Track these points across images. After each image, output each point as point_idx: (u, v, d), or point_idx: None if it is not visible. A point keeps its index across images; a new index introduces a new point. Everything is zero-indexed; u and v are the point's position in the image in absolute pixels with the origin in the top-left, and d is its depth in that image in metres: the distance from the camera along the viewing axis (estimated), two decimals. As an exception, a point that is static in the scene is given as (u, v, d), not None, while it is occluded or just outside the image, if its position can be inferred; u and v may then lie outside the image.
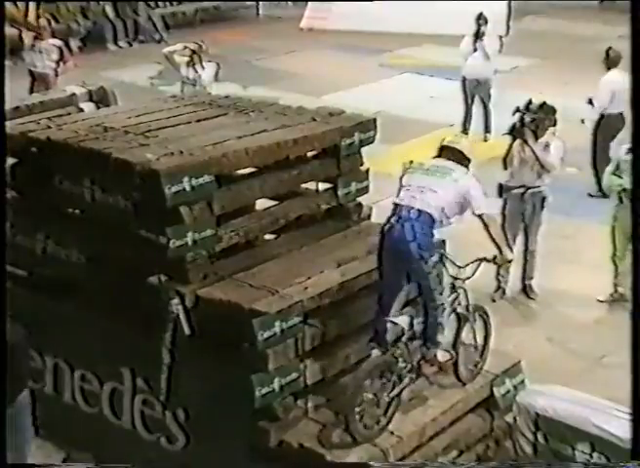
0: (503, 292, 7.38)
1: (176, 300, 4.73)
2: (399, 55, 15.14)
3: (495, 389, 5.13)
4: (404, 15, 16.18)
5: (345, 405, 4.57)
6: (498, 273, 7.35)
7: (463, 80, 11.03)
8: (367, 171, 5.67)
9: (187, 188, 4.71)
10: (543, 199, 7.20)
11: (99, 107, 6.67)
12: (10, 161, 5.37)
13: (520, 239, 7.33)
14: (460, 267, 4.87)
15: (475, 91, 11.01)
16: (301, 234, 5.35)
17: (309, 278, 4.85)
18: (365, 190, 5.66)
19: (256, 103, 5.94)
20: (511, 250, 4.92)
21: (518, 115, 7.11)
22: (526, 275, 7.41)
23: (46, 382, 5.43)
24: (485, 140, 10.92)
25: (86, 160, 4.96)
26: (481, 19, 10.86)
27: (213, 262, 4.92)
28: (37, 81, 10.46)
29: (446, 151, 4.84)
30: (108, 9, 16.01)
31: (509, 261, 4.95)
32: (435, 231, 4.64)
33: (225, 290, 4.77)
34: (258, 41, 16.38)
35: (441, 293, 4.71)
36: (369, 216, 5.72)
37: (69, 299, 5.20)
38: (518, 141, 7.12)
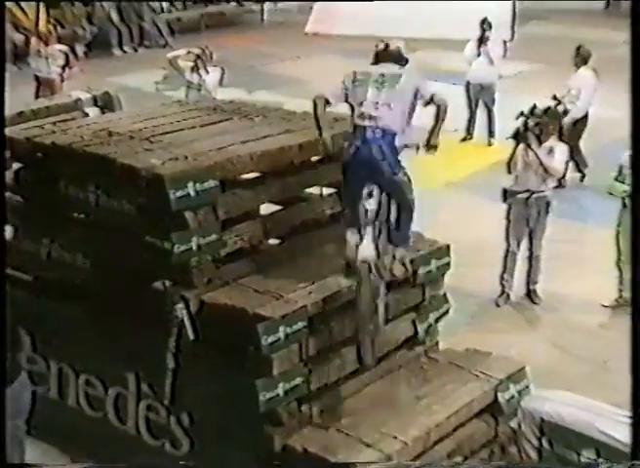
0: (508, 297, 7.38)
1: (180, 305, 4.73)
2: (404, 60, 15.13)
3: (499, 394, 5.12)
4: (408, 19, 16.18)
5: (359, 333, 4.62)
6: (502, 278, 7.36)
7: (467, 85, 11.04)
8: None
9: (192, 193, 4.71)
10: (548, 204, 7.20)
11: (103, 112, 6.67)
12: (15, 166, 5.39)
13: (524, 244, 7.33)
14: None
15: (479, 95, 11.02)
16: (306, 239, 5.35)
17: (313, 283, 4.85)
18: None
19: (260, 108, 5.95)
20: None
21: (522, 119, 7.12)
22: (530, 280, 7.40)
23: (50, 387, 5.43)
24: (489, 145, 10.93)
25: (91, 165, 4.96)
26: (485, 23, 10.87)
27: (217, 267, 4.91)
28: (43, 86, 10.50)
29: (384, 55, 4.81)
30: (113, 14, 16.06)
31: (435, 148, 4.79)
32: (398, 146, 4.63)
33: (230, 294, 4.77)
34: (262, 46, 16.41)
35: (413, 200, 4.73)
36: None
37: (74, 304, 5.21)
38: (522, 146, 7.13)
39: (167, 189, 4.64)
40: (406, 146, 4.78)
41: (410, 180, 4.75)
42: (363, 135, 4.62)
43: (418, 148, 4.81)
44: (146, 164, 4.77)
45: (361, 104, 4.66)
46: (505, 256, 7.36)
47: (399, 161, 4.66)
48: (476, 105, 11.07)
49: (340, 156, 5.42)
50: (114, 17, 16.09)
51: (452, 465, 4.84)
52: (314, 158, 5.46)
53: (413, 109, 4.71)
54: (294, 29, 17.70)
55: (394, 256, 4.82)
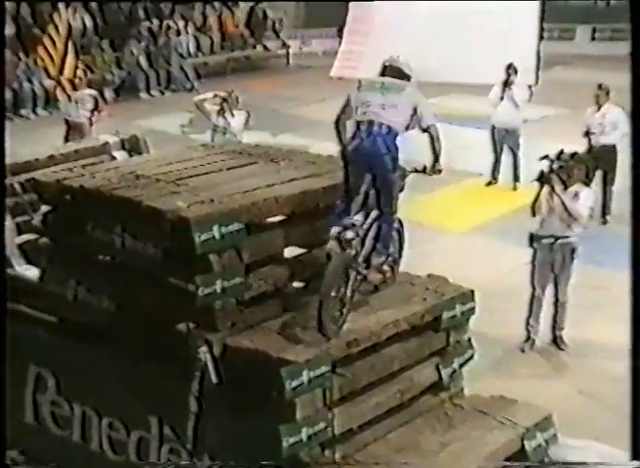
0: (533, 343, 7.30)
1: (204, 348, 4.73)
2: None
3: (526, 443, 5.05)
4: (433, 64, 16.31)
5: (322, 298, 4.66)
6: (527, 323, 7.30)
7: (492, 129, 11.08)
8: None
9: (217, 236, 4.74)
10: (573, 250, 7.12)
11: (131, 155, 6.78)
12: (43, 208, 5.46)
13: (550, 289, 7.27)
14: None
15: (504, 140, 11.04)
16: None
17: (345, 320, 4.83)
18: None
19: (286, 152, 6.00)
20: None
21: (547, 162, 7.09)
22: (556, 326, 7.32)
23: (74, 430, 5.43)
24: (514, 189, 10.92)
25: (117, 207, 5.02)
26: (511, 68, 10.93)
27: (241, 310, 4.92)
28: (72, 130, 10.68)
29: (390, 70, 5.07)
30: (142, 59, 16.36)
31: (439, 171, 5.09)
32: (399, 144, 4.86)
33: (253, 338, 4.76)
34: (288, 90, 16.61)
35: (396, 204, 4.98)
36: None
37: (99, 346, 5.22)
38: (546, 189, 7.09)
39: (192, 232, 4.68)
40: (416, 171, 5.07)
41: (400, 190, 4.97)
42: (368, 128, 4.83)
43: (425, 169, 5.05)
44: (172, 206, 4.82)
45: (367, 105, 4.88)
46: (531, 302, 7.30)
47: (397, 161, 4.87)
48: (501, 150, 11.09)
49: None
50: (142, 61, 16.39)
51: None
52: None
53: (412, 125, 4.94)
54: (319, 73, 17.90)
55: (370, 262, 4.98)
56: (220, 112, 10.20)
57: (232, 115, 10.19)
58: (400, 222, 5.33)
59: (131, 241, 4.99)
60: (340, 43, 18.47)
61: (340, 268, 4.78)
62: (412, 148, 5.15)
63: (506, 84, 10.91)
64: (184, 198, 4.94)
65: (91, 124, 10.75)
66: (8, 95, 13.96)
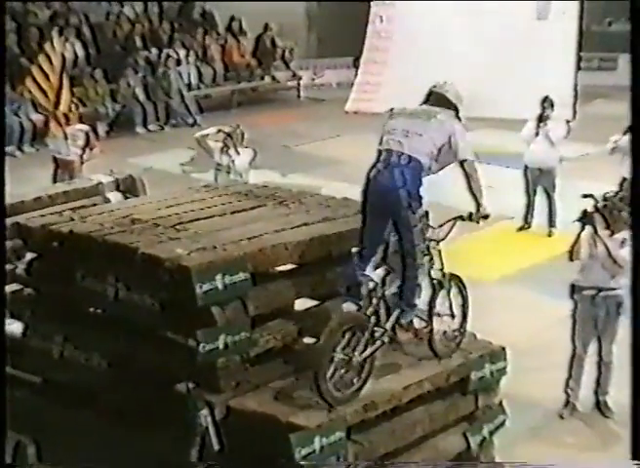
0: (574, 408, 7.20)
1: (204, 411, 4.74)
2: (453, 140, 15.34)
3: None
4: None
5: (315, 362, 4.62)
6: (567, 385, 7.21)
7: (525, 169, 11.07)
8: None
9: (220, 287, 4.78)
10: (619, 304, 6.94)
11: (126, 197, 6.83)
12: (28, 256, 5.51)
13: (593, 348, 7.16)
14: (433, 228, 5.10)
15: (538, 180, 11.02)
16: (345, 338, 5.35)
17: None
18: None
19: (296, 194, 6.06)
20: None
21: (591, 201, 6.96)
22: (600, 389, 7.19)
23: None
24: (549, 235, 10.91)
25: (111, 255, 5.07)
26: (546, 102, 10.91)
27: (246, 369, 4.93)
28: (61, 168, 10.74)
29: (433, 97, 5.13)
30: (139, 91, 16.55)
31: (486, 217, 5.14)
32: (423, 179, 4.84)
33: (260, 400, 4.77)
34: (298, 125, 16.74)
35: (422, 252, 4.91)
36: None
37: (87, 409, 5.23)
38: (588, 232, 6.94)
39: (193, 282, 4.72)
40: (461, 218, 5.02)
41: (424, 235, 4.91)
42: (387, 158, 4.86)
43: (470, 216, 5.05)
44: (171, 254, 4.87)
45: (391, 132, 4.94)
46: (571, 361, 7.22)
47: (420, 196, 4.83)
48: (535, 191, 11.08)
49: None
50: (139, 93, 16.59)
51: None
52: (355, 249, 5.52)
53: (446, 159, 4.92)
54: (333, 107, 18.08)
55: (398, 321, 4.95)
56: (224, 149, 10.26)
57: (237, 152, 10.25)
58: (462, 281, 5.31)
59: (125, 292, 5.03)
60: (355, 74, 18.70)
61: (338, 330, 4.74)
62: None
63: (541, 119, 10.92)
64: (185, 245, 4.99)
65: (82, 162, 10.83)
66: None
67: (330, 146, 15.28)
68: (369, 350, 4.85)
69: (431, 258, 5.14)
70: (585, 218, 6.91)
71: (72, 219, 5.48)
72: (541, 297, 8.72)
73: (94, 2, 17.45)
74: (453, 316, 5.29)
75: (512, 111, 14.65)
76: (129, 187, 7.02)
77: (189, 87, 17.55)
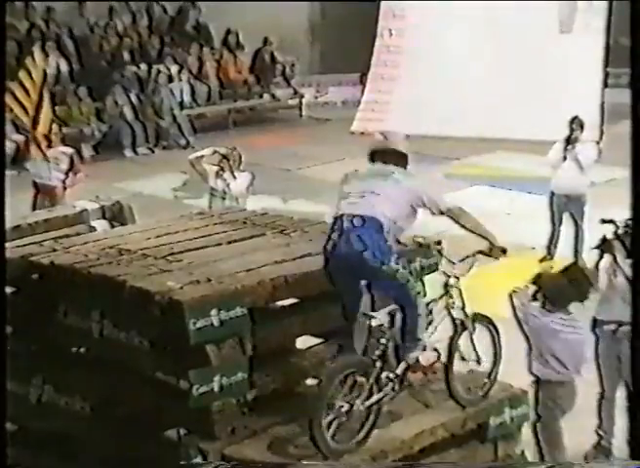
0: (609, 454, 7.13)
1: (198, 460, 4.72)
2: (468, 163, 15.39)
3: None
4: (475, 116, 16.51)
5: (311, 409, 4.62)
6: (598, 432, 7.17)
7: (552, 195, 11.03)
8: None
9: (215, 323, 4.78)
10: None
11: (113, 226, 6.84)
12: (7, 290, 5.51)
13: (622, 388, 7.16)
14: (453, 263, 5.20)
15: (566, 208, 10.96)
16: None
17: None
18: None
19: (298, 222, 6.08)
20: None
21: (611, 227, 6.98)
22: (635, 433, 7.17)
23: None
24: (574, 267, 10.87)
25: (96, 289, 5.08)
26: (575, 122, 10.86)
27: (244, 413, 4.93)
28: (42, 194, 10.76)
29: (378, 155, 5.17)
30: (127, 110, 16.63)
31: (504, 252, 5.24)
32: (388, 236, 4.87)
33: (258, 448, 4.75)
34: (300, 147, 16.80)
35: (419, 293, 4.99)
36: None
37: (69, 458, 5.22)
38: (607, 260, 6.95)
39: (186, 318, 4.72)
40: (481, 253, 5.12)
41: (414, 277, 4.99)
42: (340, 226, 4.88)
43: (491, 250, 5.14)
44: (162, 287, 4.88)
45: (346, 197, 5.00)
46: (599, 405, 7.20)
47: (390, 249, 4.87)
48: (560, 220, 11.06)
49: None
50: (127, 113, 16.67)
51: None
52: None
53: (414, 215, 5.01)
54: (338, 127, 18.14)
55: (407, 363, 4.98)
56: (220, 173, 10.27)
57: (234, 176, 10.26)
58: (492, 322, 5.38)
59: (111, 329, 5.04)
60: (362, 91, 18.79)
61: (338, 374, 4.75)
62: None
63: (569, 141, 10.87)
64: (177, 277, 5.00)
65: (65, 187, 10.86)
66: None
67: (334, 170, 15.19)
68: (374, 398, 4.84)
69: (450, 296, 5.19)
70: (604, 246, 6.93)
71: (54, 250, 5.51)
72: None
73: (78, 15, 17.54)
74: (479, 361, 5.29)
75: (534, 132, 14.69)
76: (116, 215, 7.04)
77: (182, 105, 17.61)
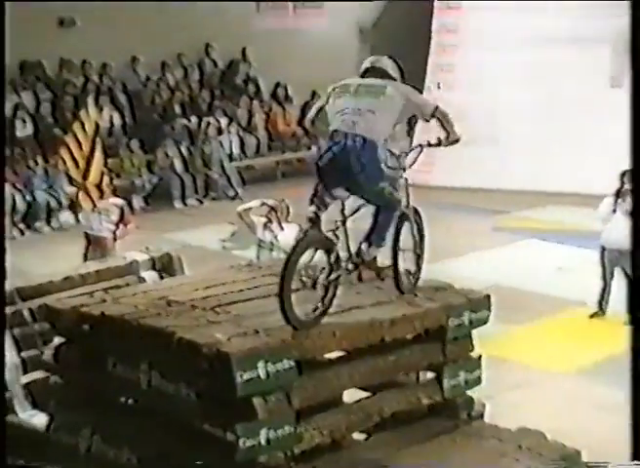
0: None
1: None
2: (519, 217, 15.31)
3: None
4: (524, 170, 16.47)
5: (280, 281, 4.88)
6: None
7: (603, 250, 10.95)
8: (479, 357, 5.67)
9: (262, 375, 4.79)
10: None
11: (162, 277, 6.91)
12: (56, 340, 5.58)
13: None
14: (398, 156, 5.44)
15: (617, 262, 10.86)
16: (399, 435, 5.32)
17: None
18: (477, 382, 5.64)
19: (346, 274, 6.08)
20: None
21: None
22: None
23: None
24: (626, 324, 10.74)
25: (145, 340, 5.11)
26: (626, 175, 10.82)
27: (291, 466, 4.90)
28: (93, 245, 10.88)
29: (371, 72, 5.40)
30: (177, 162, 16.83)
31: (456, 141, 5.47)
32: (380, 156, 5.17)
33: (305, 502, 4.73)
34: (348, 198, 16.83)
35: (399, 201, 5.38)
36: (481, 415, 5.66)
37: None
38: None
39: (233, 370, 4.73)
40: (429, 145, 5.48)
41: (394, 188, 5.31)
42: (342, 142, 5.14)
43: (440, 142, 5.44)
44: (210, 339, 4.90)
45: (342, 112, 5.21)
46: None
47: (382, 172, 5.20)
48: (611, 275, 10.96)
49: (439, 334, 5.49)
50: (177, 165, 16.87)
51: None
52: (409, 336, 5.51)
53: (410, 126, 5.30)
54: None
55: (362, 254, 5.31)
56: (268, 224, 10.32)
57: (281, 228, 10.29)
58: (418, 213, 5.63)
59: (159, 380, 5.06)
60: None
61: (303, 246, 5.04)
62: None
63: (620, 194, 10.83)
64: (225, 329, 5.02)
65: (115, 239, 10.96)
66: (21, 205, 14.54)
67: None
68: (334, 274, 5.15)
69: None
70: None
71: (104, 301, 5.55)
72: (619, 394, 8.56)
73: (131, 72, 17.82)
74: (415, 252, 5.63)
75: (584, 186, 14.63)
76: (165, 266, 7.11)
77: (231, 157, 17.77)
